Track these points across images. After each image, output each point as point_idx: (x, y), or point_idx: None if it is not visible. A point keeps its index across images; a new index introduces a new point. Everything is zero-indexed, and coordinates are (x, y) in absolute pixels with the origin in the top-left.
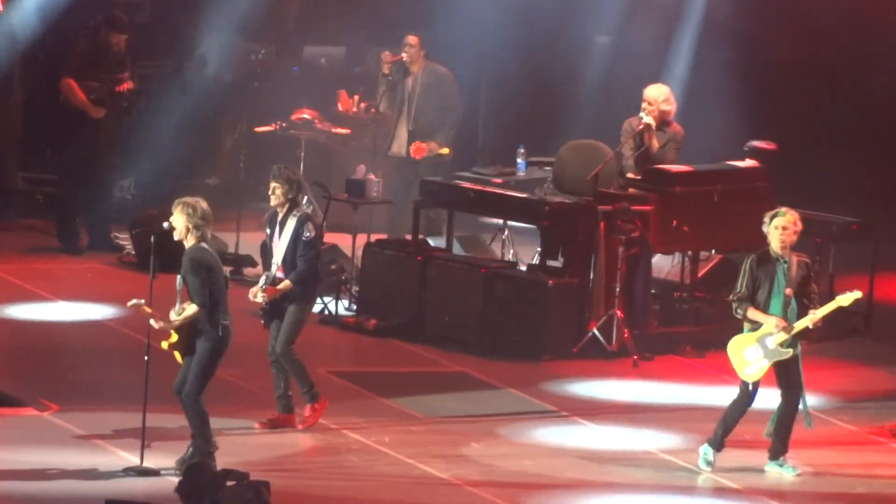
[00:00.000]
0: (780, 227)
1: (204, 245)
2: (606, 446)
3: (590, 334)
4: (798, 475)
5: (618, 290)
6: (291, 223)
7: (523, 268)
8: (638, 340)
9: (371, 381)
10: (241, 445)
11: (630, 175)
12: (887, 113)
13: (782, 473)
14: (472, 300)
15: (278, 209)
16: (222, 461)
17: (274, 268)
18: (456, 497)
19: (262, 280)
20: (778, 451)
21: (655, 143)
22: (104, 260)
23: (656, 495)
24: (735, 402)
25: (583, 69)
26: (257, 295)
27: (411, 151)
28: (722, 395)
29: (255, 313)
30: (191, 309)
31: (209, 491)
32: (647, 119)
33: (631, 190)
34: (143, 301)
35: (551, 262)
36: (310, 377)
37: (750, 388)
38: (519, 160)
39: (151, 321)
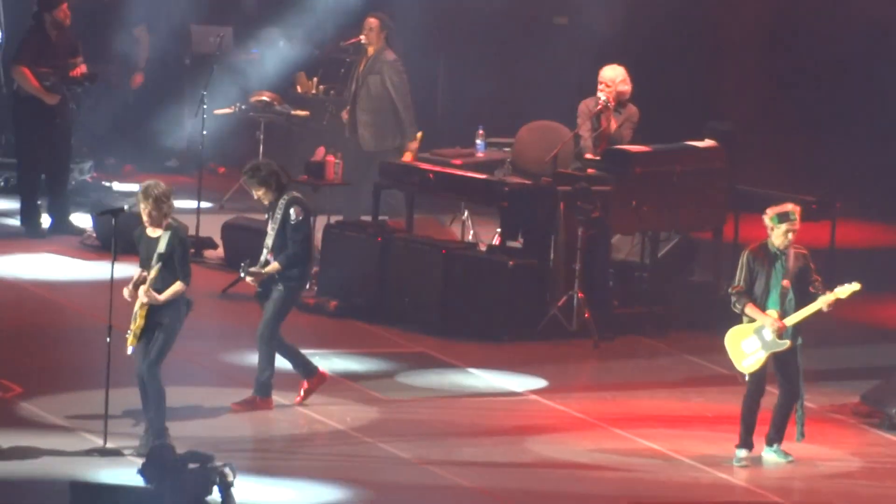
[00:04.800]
0: (790, 230)
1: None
2: (569, 426)
3: (550, 315)
4: (791, 462)
5: (578, 270)
6: (280, 208)
7: (483, 249)
8: (598, 321)
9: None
10: (205, 427)
11: (588, 156)
12: (843, 90)
13: (777, 460)
14: (433, 281)
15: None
16: (187, 442)
17: (265, 252)
18: (418, 477)
19: (251, 264)
20: (773, 438)
21: (614, 124)
22: (66, 243)
23: (624, 475)
24: (746, 399)
25: (540, 50)
26: (246, 279)
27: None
28: (683, 374)
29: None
30: (177, 285)
31: (172, 473)
32: (604, 99)
33: (590, 170)
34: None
35: (511, 243)
36: (301, 356)
37: (747, 377)
38: (478, 141)
39: (140, 291)
